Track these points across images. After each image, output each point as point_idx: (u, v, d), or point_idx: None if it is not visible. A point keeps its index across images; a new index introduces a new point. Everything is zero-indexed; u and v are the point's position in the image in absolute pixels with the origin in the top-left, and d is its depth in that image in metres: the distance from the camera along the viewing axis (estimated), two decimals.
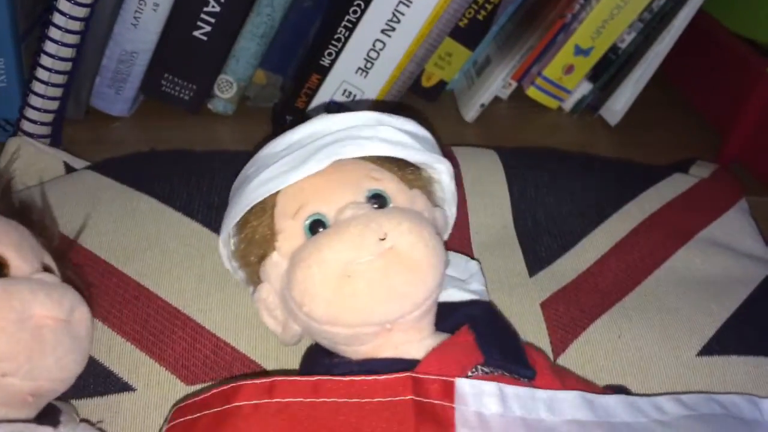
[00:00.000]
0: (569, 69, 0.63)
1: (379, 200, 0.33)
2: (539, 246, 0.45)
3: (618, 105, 0.63)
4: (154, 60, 0.56)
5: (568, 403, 0.29)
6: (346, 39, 0.55)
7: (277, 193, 0.35)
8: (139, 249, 0.41)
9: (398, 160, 0.36)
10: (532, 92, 0.65)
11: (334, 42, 0.55)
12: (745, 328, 0.41)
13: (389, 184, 0.34)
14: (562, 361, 0.39)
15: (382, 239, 0.30)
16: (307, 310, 0.32)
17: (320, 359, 0.34)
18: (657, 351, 0.39)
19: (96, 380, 0.36)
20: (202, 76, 0.57)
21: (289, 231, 0.34)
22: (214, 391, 0.30)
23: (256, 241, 0.35)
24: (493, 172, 0.48)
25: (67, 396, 0.35)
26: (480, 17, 0.60)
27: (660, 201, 0.49)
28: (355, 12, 0.53)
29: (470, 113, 0.63)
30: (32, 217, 0.37)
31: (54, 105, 0.50)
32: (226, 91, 0.58)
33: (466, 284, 0.38)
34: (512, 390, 0.29)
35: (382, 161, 0.35)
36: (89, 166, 0.47)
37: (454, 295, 0.37)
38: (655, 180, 0.50)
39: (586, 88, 0.64)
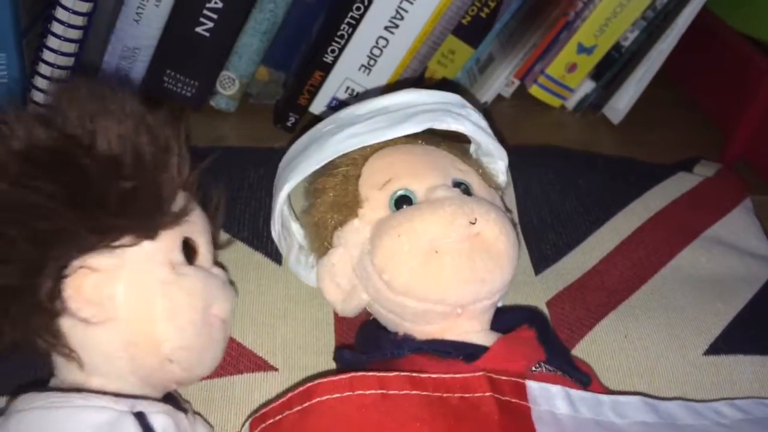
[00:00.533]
0: (572, 67, 0.63)
1: (461, 187, 0.34)
2: (545, 244, 0.45)
3: (621, 103, 0.63)
4: (156, 56, 0.55)
5: (632, 406, 0.30)
6: (349, 36, 0.54)
7: (363, 163, 0.36)
8: None
9: (473, 158, 0.37)
10: (535, 90, 0.65)
11: (337, 39, 0.54)
12: (751, 327, 0.41)
13: (473, 178, 0.36)
14: None
15: (472, 223, 0.31)
16: (387, 277, 0.32)
17: (383, 335, 0.34)
18: (663, 350, 0.39)
19: None
20: (204, 73, 0.57)
21: (375, 201, 0.34)
22: (293, 393, 0.30)
23: (337, 206, 0.35)
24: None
25: None
26: (483, 15, 0.60)
27: (665, 199, 0.49)
28: (358, 9, 0.53)
29: None
30: (209, 212, 0.38)
31: None
32: (228, 87, 0.58)
33: None
34: (577, 393, 0.30)
35: (464, 156, 0.37)
36: None
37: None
38: (660, 178, 0.51)
39: (589, 86, 0.64)
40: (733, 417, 0.31)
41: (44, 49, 0.48)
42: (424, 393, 0.28)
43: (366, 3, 0.53)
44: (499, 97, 0.65)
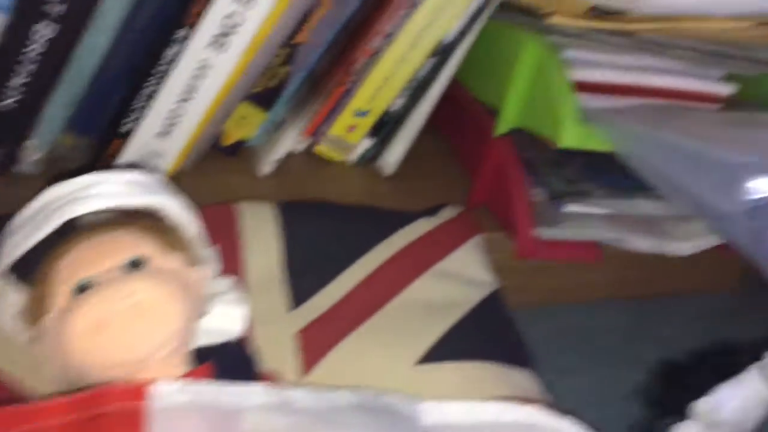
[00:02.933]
0: (352, 128, 0.75)
1: (136, 264, 0.42)
2: (303, 285, 0.56)
3: (391, 157, 0.76)
4: None
5: (251, 391, 0.40)
6: (146, 106, 0.63)
7: (57, 260, 0.43)
8: None
9: (159, 227, 0.45)
10: (321, 148, 0.77)
11: (135, 110, 0.63)
12: (457, 339, 0.54)
13: (147, 250, 0.43)
14: (308, 380, 0.49)
15: (128, 297, 0.39)
16: (69, 358, 0.40)
17: None
18: (381, 362, 0.50)
19: None
20: (9, 141, 0.63)
21: (62, 294, 0.42)
22: None
23: (37, 304, 0.43)
24: (268, 220, 0.59)
25: None
26: (272, 85, 0.71)
27: (406, 240, 0.61)
28: (152, 84, 0.62)
29: (266, 167, 0.73)
30: None
31: None
32: (32, 153, 0.64)
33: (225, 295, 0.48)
34: (200, 386, 0.39)
35: (145, 230, 0.44)
36: None
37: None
38: (406, 223, 0.63)
39: (367, 143, 0.77)
40: (347, 402, 0.42)
41: None
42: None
43: (160, 79, 0.62)
44: (292, 154, 0.76)
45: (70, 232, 0.44)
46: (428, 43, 0.69)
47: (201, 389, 0.39)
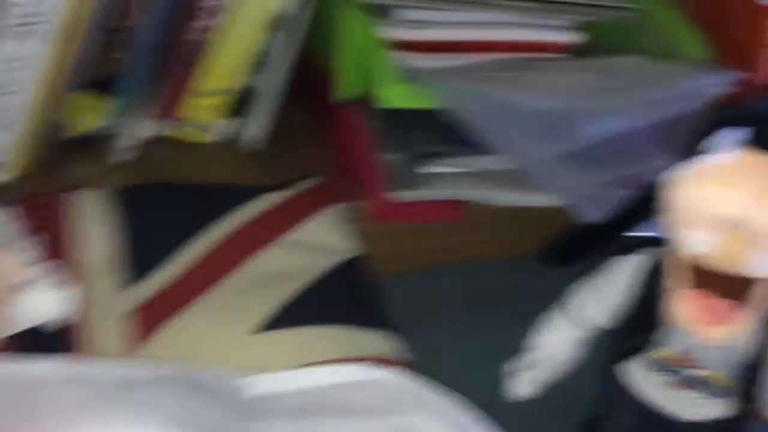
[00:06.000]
0: (202, 108, 0.75)
1: None
2: (138, 266, 0.56)
3: (252, 133, 0.77)
4: None
5: (50, 367, 0.40)
6: None
7: None
8: None
9: None
10: (177, 131, 0.76)
11: None
12: (299, 306, 0.55)
13: None
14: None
15: None
16: None
17: None
18: (216, 334, 0.51)
19: None
20: None
21: None
22: None
23: None
24: (102, 206, 0.59)
25: None
26: (110, 71, 0.70)
27: (252, 213, 0.62)
28: None
29: (116, 156, 0.72)
30: None
31: None
32: None
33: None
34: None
35: None
36: None
37: None
38: (252, 197, 0.63)
39: (224, 122, 0.77)
40: (149, 376, 0.43)
41: None
42: None
43: None
44: (150, 139, 0.75)
45: None
46: (263, 17, 0.70)
47: None
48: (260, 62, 0.74)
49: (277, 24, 0.71)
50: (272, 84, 0.76)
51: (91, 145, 0.74)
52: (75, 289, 0.51)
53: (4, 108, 0.63)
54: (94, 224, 0.58)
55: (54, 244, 0.53)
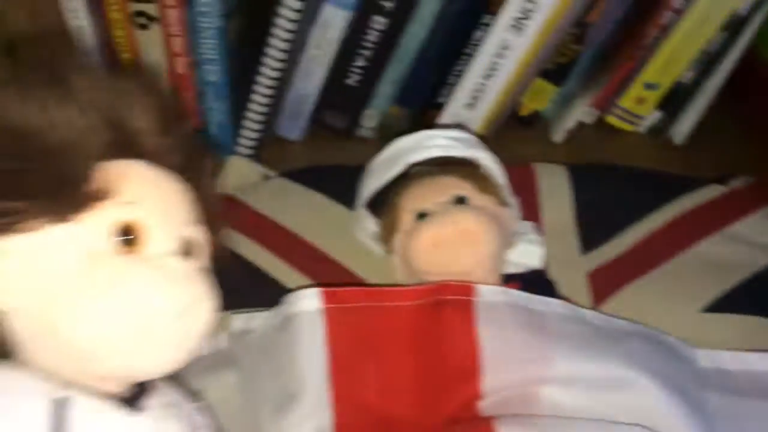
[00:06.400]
0: (641, 100, 0.81)
1: (461, 201, 0.55)
2: (593, 234, 0.64)
3: (682, 128, 0.80)
4: (319, 99, 0.80)
5: (555, 303, 0.50)
6: (456, 83, 0.76)
7: (401, 195, 0.57)
8: (301, 216, 0.66)
9: (476, 174, 0.57)
10: (611, 119, 0.83)
11: (448, 85, 0.76)
12: (742, 295, 0.58)
13: (468, 191, 0.56)
14: None
15: (455, 223, 0.51)
16: (414, 265, 0.54)
17: None
18: (666, 306, 0.57)
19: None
20: (352, 111, 0.81)
21: (406, 220, 0.56)
22: (371, 289, 0.52)
23: (389, 227, 0.58)
24: (561, 179, 0.68)
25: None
26: (564, 61, 0.80)
27: (694, 203, 0.66)
28: (462, 63, 0.75)
29: (558, 136, 0.82)
30: (200, 178, 0.37)
31: (256, 134, 0.75)
32: (369, 121, 0.81)
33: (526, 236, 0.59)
34: (515, 291, 0.49)
35: (465, 176, 0.57)
36: (279, 173, 0.72)
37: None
38: (695, 187, 0.68)
39: (657, 115, 0.82)
40: (631, 330, 0.50)
41: (252, 96, 0.73)
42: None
43: (467, 59, 0.75)
44: (582, 125, 0.84)
45: (412, 173, 0.58)
46: (719, 17, 0.72)
47: (515, 294, 0.49)
48: (704, 60, 0.77)
49: (730, 24, 0.73)
50: (711, 82, 0.78)
51: (535, 124, 0.85)
52: (545, 246, 0.60)
53: (482, 89, 0.76)
54: (553, 194, 0.67)
55: (526, 207, 0.63)
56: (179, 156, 0.35)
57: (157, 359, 0.33)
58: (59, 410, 0.30)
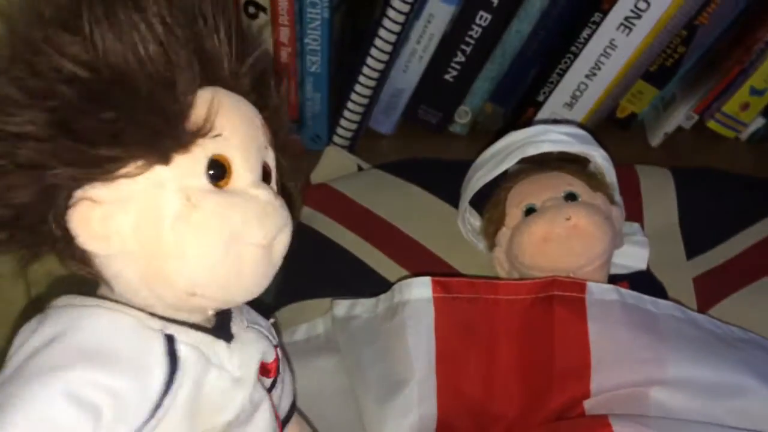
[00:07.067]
0: (745, 106, 0.79)
1: (571, 197, 0.54)
2: (698, 239, 0.63)
3: None
4: (414, 94, 0.81)
5: (666, 304, 0.49)
6: (558, 81, 0.76)
7: (509, 190, 0.57)
8: (398, 207, 0.66)
9: (587, 172, 0.56)
10: (712, 124, 0.82)
11: (549, 83, 0.76)
12: None
13: (579, 188, 0.56)
14: None
15: (568, 219, 0.51)
16: (520, 260, 0.53)
17: None
18: None
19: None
20: (447, 106, 0.81)
21: (513, 214, 0.56)
22: (481, 282, 0.52)
23: (494, 221, 0.58)
24: (665, 182, 0.67)
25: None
26: (668, 63, 0.78)
27: None
28: (566, 62, 0.75)
29: (655, 140, 0.81)
30: (268, 100, 0.36)
31: (354, 126, 0.77)
32: (462, 117, 0.81)
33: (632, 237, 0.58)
34: (626, 291, 0.49)
35: (576, 172, 0.56)
36: (374, 166, 0.73)
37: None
38: None
39: (760, 122, 0.79)
40: (745, 338, 0.49)
41: (353, 93, 0.74)
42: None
43: (573, 58, 0.74)
44: (680, 129, 0.82)
45: (517, 168, 0.58)
46: None
47: (626, 293, 0.49)
48: None
49: None
50: None
51: (632, 127, 0.84)
52: (648, 248, 0.60)
53: (583, 89, 0.76)
54: (657, 196, 0.66)
55: (630, 207, 0.63)
56: (250, 79, 0.35)
57: (248, 287, 0.34)
58: (170, 345, 0.32)
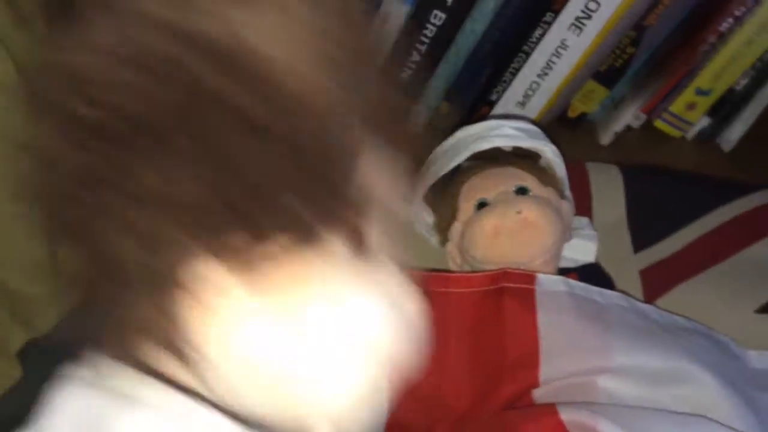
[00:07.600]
0: (691, 106, 0.81)
1: (522, 191, 0.55)
2: (644, 233, 0.65)
3: (732, 135, 0.80)
4: None
5: (613, 294, 0.50)
6: (511, 81, 0.77)
7: (461, 185, 0.58)
8: None
9: (538, 167, 0.57)
10: (659, 124, 0.84)
11: (502, 82, 0.77)
12: None
13: (530, 182, 0.57)
14: None
15: (519, 212, 0.52)
16: (472, 253, 0.54)
17: None
18: (720, 306, 0.57)
19: None
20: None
21: (465, 209, 0.57)
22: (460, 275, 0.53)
23: (447, 216, 0.59)
24: (614, 179, 0.69)
25: None
26: (618, 64, 0.80)
27: (744, 208, 0.66)
28: (518, 61, 0.76)
29: (605, 138, 0.82)
30: None
31: None
32: (418, 117, 0.82)
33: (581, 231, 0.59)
34: (574, 282, 0.50)
35: (527, 167, 0.57)
36: None
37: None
38: (747, 192, 0.68)
39: (705, 121, 0.82)
40: (689, 327, 0.50)
41: None
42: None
43: (524, 57, 0.75)
44: (629, 128, 0.84)
45: (468, 164, 0.59)
46: None
47: (574, 284, 0.50)
48: (760, 68, 0.77)
49: None
50: (764, 91, 0.78)
51: (581, 126, 0.85)
52: (597, 242, 0.61)
53: (535, 88, 0.77)
54: (606, 192, 0.68)
55: (579, 203, 0.64)
56: None
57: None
58: None
